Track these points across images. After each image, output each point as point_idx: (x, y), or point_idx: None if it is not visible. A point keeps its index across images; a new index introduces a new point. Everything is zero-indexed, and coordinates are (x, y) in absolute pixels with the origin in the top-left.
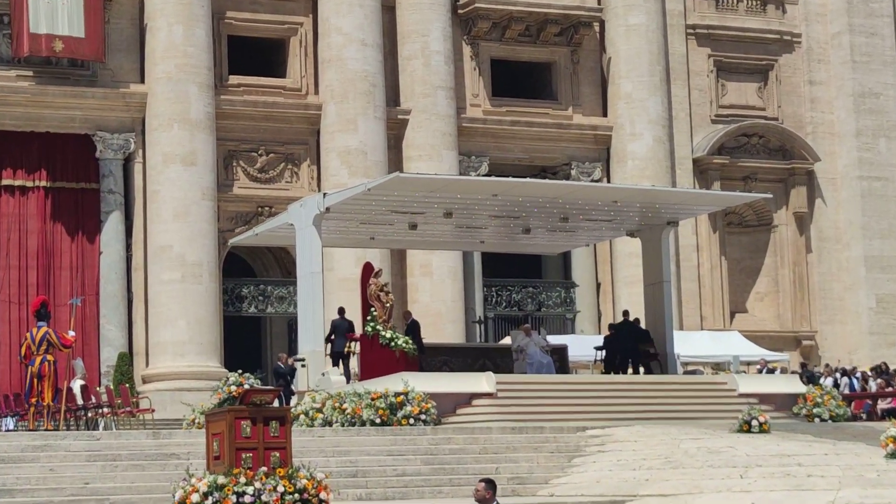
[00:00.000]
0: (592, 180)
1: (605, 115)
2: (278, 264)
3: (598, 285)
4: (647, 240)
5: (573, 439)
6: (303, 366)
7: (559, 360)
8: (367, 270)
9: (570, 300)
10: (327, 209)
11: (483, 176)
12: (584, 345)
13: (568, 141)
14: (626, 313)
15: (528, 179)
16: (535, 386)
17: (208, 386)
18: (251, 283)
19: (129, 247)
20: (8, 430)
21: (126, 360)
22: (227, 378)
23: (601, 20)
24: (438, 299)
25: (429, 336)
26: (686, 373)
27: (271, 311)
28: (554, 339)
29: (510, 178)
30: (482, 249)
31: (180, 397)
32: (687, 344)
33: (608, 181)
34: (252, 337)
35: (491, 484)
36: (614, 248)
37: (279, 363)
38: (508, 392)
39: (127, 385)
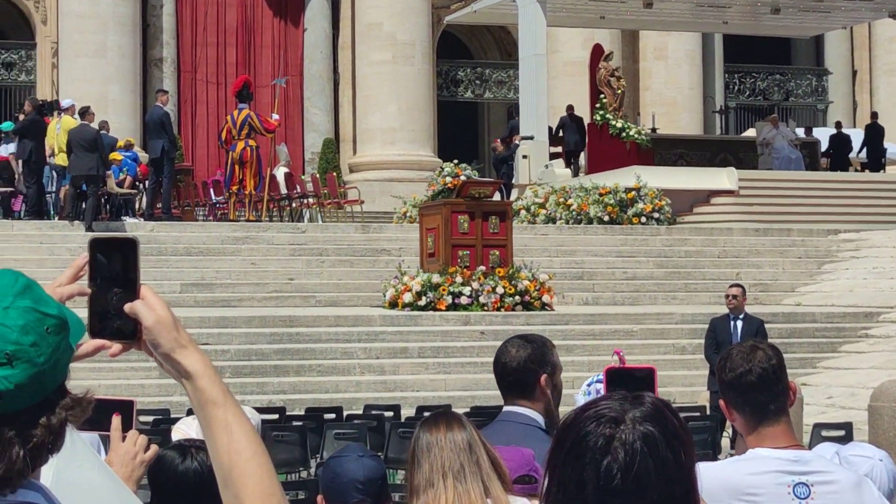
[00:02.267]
0: None
1: None
2: (497, 45)
3: (854, 73)
4: None
5: (823, 243)
6: (531, 137)
7: (809, 156)
8: (597, 53)
9: (821, 89)
10: None
11: None
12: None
13: None
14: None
15: None
16: (782, 183)
17: (420, 177)
18: (467, 65)
19: (335, 24)
20: (206, 220)
21: (332, 146)
22: (442, 168)
23: None
24: (674, 86)
25: (663, 127)
26: None
27: (489, 97)
28: (804, 132)
29: None
30: (724, 31)
31: (390, 189)
32: None
33: None
34: (468, 124)
35: (744, 291)
36: (874, 31)
37: (494, 152)
38: (752, 190)
39: (334, 174)
